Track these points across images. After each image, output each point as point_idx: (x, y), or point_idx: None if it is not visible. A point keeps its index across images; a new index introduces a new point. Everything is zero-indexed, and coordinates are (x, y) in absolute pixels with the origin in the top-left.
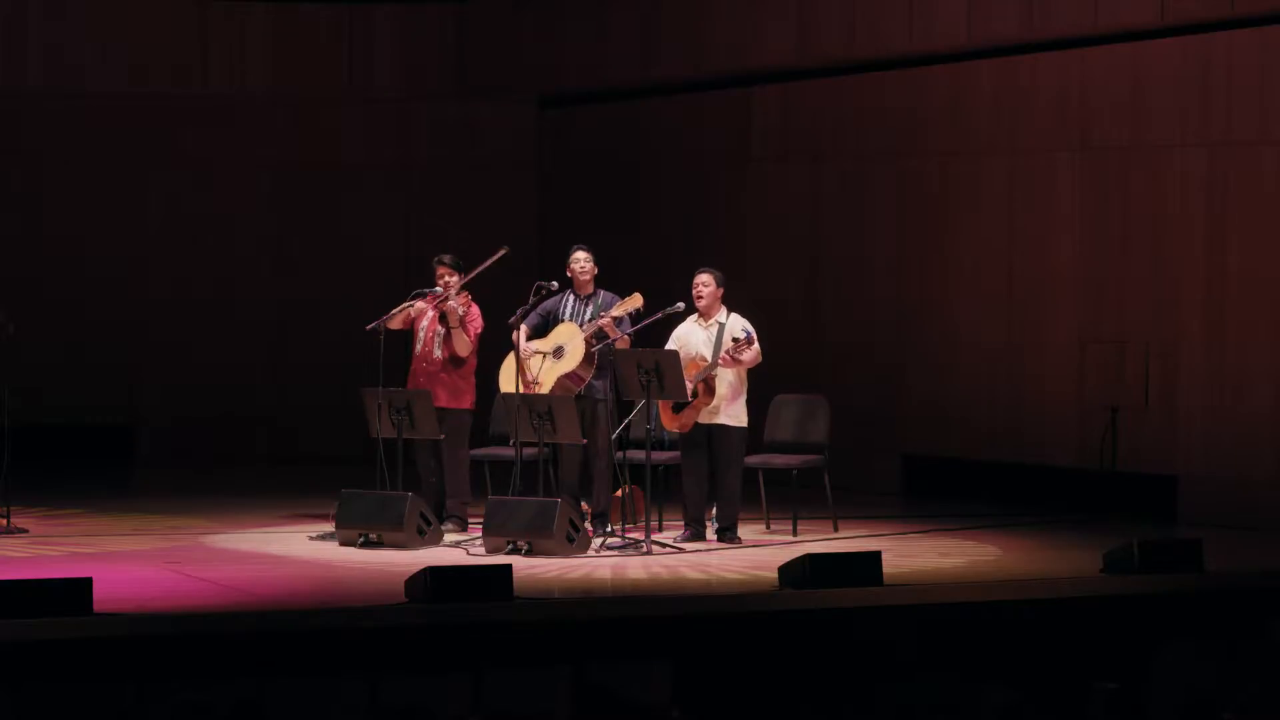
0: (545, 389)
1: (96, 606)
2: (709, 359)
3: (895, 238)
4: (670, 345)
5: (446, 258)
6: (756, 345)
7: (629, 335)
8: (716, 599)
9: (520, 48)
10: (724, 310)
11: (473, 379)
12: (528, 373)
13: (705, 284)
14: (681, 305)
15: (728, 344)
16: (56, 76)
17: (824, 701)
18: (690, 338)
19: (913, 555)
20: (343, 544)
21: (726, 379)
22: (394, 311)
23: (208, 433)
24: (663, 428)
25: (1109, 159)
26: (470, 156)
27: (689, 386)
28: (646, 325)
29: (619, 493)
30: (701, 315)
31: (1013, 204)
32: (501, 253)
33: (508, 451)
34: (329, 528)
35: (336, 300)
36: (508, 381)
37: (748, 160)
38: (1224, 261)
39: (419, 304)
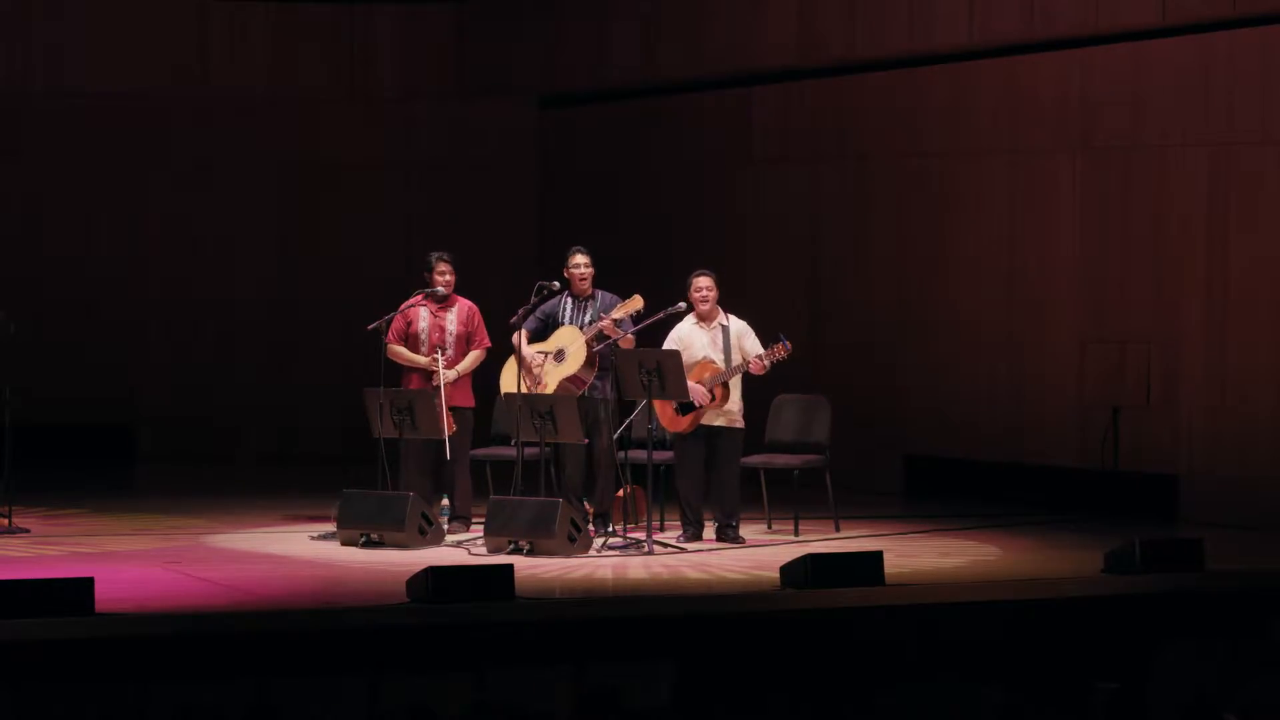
0: (548, 391)
1: (97, 606)
2: (717, 362)
3: (895, 238)
4: (669, 346)
5: (448, 255)
6: None
7: (631, 334)
8: (718, 599)
9: (520, 48)
10: (722, 312)
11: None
12: (531, 378)
13: (710, 287)
14: (683, 305)
15: (740, 347)
16: (56, 76)
17: (824, 701)
18: (693, 341)
19: (914, 555)
20: (344, 544)
21: (735, 383)
22: (393, 315)
23: (208, 433)
24: (663, 428)
25: (1109, 159)
26: (470, 156)
27: (704, 389)
28: (646, 325)
29: (621, 493)
30: (703, 319)
31: (1013, 204)
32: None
33: (509, 451)
34: (330, 528)
35: (336, 300)
36: (510, 382)
37: (748, 160)
38: (1224, 261)
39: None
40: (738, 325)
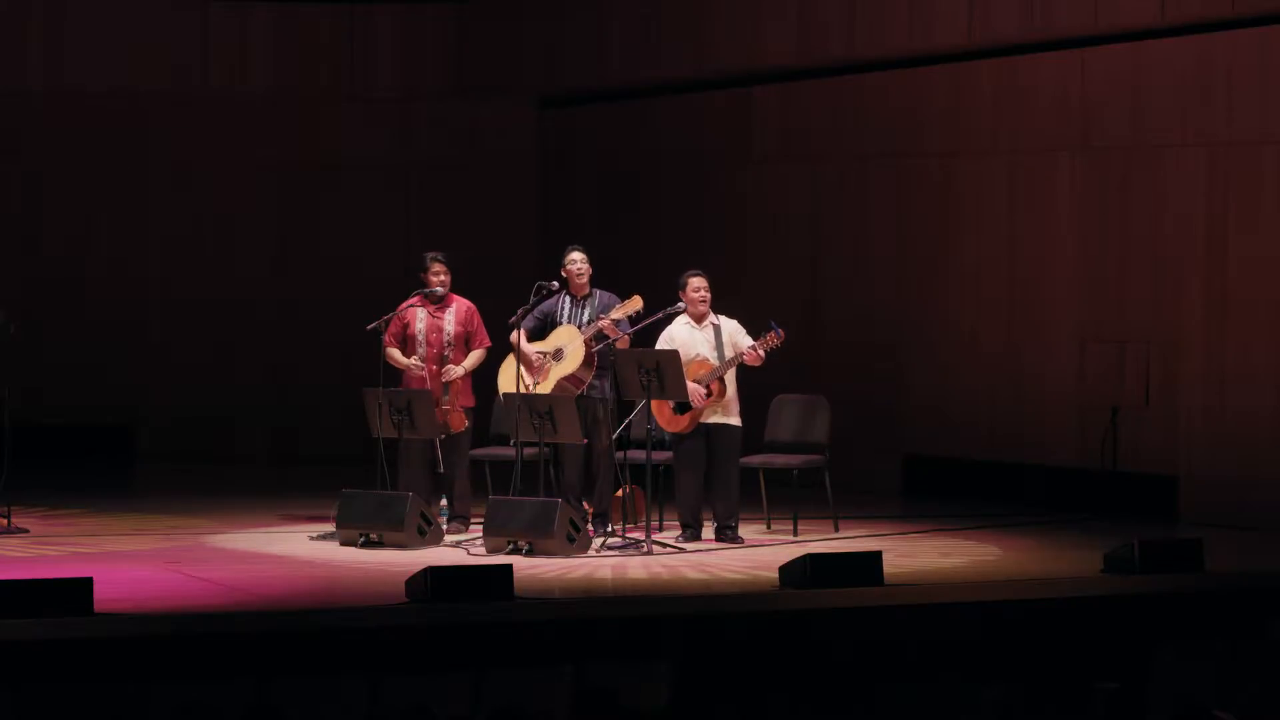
0: (545, 390)
1: (97, 606)
2: (711, 360)
3: (895, 238)
4: (662, 345)
5: (442, 255)
6: None
7: (629, 335)
8: (717, 599)
9: (520, 48)
10: (712, 313)
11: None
12: (531, 377)
13: (707, 287)
14: (682, 305)
15: (733, 344)
16: (56, 76)
17: (824, 702)
18: (689, 339)
19: (913, 555)
20: (343, 544)
21: (730, 378)
22: (391, 316)
23: (208, 433)
24: (662, 428)
25: (1109, 159)
26: (470, 156)
27: (701, 388)
28: (645, 326)
29: (620, 493)
30: (697, 318)
31: (1013, 204)
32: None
33: (508, 451)
34: (329, 528)
35: (336, 300)
36: (508, 382)
37: (748, 160)
38: (1224, 261)
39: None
40: (730, 324)
